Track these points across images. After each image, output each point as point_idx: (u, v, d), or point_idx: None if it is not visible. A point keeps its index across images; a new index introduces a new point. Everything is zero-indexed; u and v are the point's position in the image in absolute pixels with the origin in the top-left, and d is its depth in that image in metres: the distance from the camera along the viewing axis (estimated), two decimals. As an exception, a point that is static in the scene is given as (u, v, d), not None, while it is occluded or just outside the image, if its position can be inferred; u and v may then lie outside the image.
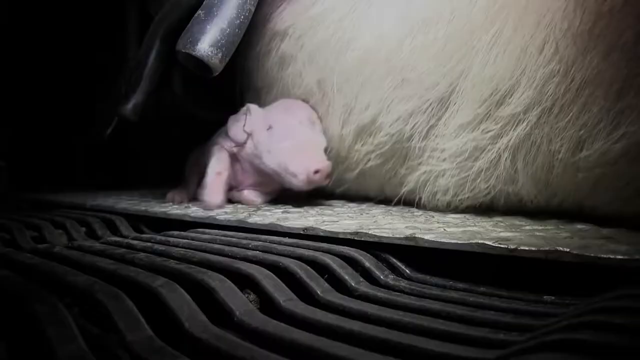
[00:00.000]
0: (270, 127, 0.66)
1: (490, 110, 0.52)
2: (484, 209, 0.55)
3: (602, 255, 0.31)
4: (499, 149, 0.51)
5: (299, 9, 0.71)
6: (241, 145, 0.68)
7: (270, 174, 0.66)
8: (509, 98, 0.50)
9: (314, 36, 0.69)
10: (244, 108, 0.70)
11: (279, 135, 0.65)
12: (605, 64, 0.44)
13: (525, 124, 0.49)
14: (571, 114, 0.47)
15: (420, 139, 0.59)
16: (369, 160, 0.64)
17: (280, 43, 0.74)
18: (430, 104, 0.57)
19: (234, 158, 0.71)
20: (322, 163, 0.62)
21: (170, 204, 0.71)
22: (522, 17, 0.50)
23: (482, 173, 0.53)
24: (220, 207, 0.64)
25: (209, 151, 0.71)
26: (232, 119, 0.71)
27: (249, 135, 0.68)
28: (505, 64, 0.51)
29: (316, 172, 0.61)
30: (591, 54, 0.45)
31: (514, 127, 0.50)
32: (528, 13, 0.50)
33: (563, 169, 0.48)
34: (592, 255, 0.31)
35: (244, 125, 0.68)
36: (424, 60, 0.57)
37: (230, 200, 0.71)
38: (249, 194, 0.71)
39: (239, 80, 0.85)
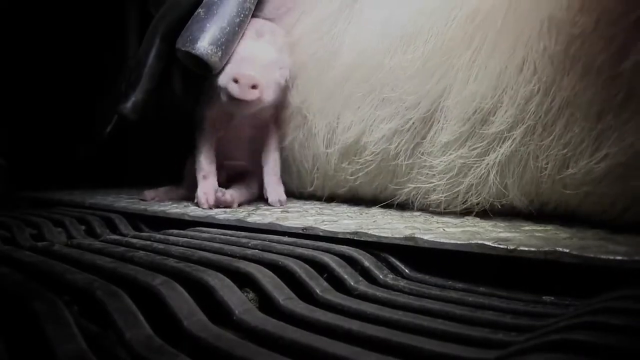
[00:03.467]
0: None
1: (474, 128, 0.51)
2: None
3: (602, 256, 0.31)
4: (487, 164, 0.51)
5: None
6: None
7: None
8: (493, 116, 0.50)
9: (296, 57, 0.68)
10: None
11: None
12: (582, 85, 0.44)
13: (510, 141, 0.49)
14: (554, 133, 0.46)
15: (407, 157, 0.58)
16: (357, 178, 0.63)
17: None
18: (413, 123, 0.56)
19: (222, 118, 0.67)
20: (240, 70, 0.57)
21: (170, 202, 0.71)
22: (499, 37, 0.50)
23: (473, 188, 0.52)
24: (215, 206, 0.63)
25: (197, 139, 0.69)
26: None
27: None
28: (487, 83, 0.50)
29: (235, 81, 0.56)
30: (569, 75, 0.45)
31: (500, 144, 0.50)
32: (504, 32, 0.49)
33: (551, 185, 0.48)
34: (591, 256, 0.31)
35: None
36: (404, 79, 0.56)
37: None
38: (227, 195, 0.64)
39: None
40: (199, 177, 0.66)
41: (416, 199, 0.57)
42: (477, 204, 0.52)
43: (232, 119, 0.67)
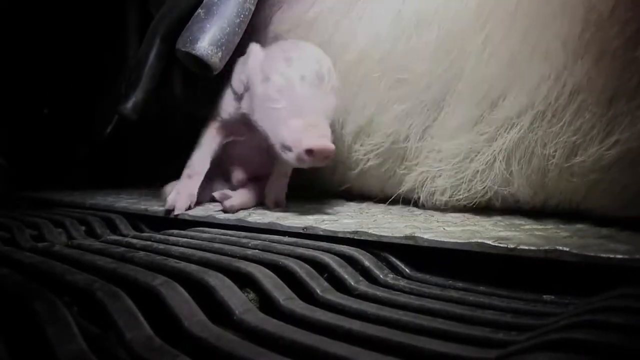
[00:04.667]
0: (266, 79, 0.53)
1: (484, 112, 0.52)
2: (482, 208, 0.55)
3: (602, 255, 0.31)
4: (494, 151, 0.51)
5: (298, 12, 0.70)
6: (239, 98, 0.58)
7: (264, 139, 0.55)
8: (502, 101, 0.50)
9: (313, 38, 0.68)
10: (249, 48, 0.58)
11: (275, 92, 0.52)
12: (595, 70, 0.44)
13: (518, 127, 0.49)
14: (564, 120, 0.46)
15: (417, 140, 0.58)
16: (368, 160, 0.64)
17: None
18: (425, 105, 0.57)
19: (232, 131, 0.62)
20: (318, 141, 0.49)
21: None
22: (512, 21, 0.50)
23: (478, 174, 0.52)
24: (181, 210, 0.59)
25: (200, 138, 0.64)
26: (239, 62, 0.59)
27: (246, 86, 0.57)
28: (498, 67, 0.50)
29: (309, 151, 0.49)
30: (582, 60, 0.45)
31: (508, 130, 0.50)
32: (517, 17, 0.50)
33: (558, 173, 0.48)
34: (591, 254, 0.31)
35: (242, 73, 0.57)
36: (418, 61, 0.57)
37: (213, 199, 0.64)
38: (225, 197, 0.58)
39: None
40: (184, 174, 0.62)
41: (423, 185, 0.57)
42: (483, 193, 0.52)
43: (247, 130, 0.60)
